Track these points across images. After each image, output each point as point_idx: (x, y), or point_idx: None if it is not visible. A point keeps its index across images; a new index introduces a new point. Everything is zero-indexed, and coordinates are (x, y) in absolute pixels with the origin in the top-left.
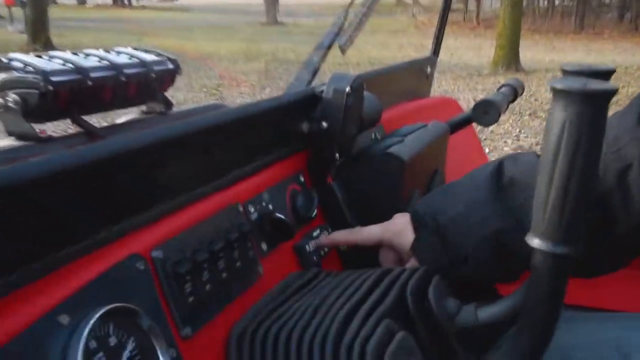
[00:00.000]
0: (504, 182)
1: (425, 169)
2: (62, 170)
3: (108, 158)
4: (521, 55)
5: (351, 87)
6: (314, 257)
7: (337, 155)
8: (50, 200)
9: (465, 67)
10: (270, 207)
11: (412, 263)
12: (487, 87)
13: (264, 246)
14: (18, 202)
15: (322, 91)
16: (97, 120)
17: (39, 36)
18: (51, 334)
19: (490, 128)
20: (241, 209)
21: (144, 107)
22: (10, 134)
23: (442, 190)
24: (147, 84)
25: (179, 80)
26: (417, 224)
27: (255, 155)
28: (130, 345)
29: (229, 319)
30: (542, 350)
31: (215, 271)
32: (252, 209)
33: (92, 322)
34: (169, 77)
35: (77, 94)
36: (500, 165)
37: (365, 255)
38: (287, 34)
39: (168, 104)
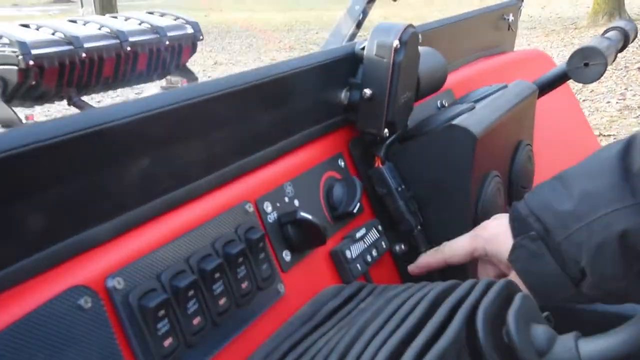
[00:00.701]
0: (635, 166)
1: (504, 142)
2: None
3: (36, 146)
4: (627, 0)
5: (400, 41)
6: (358, 266)
7: (385, 131)
8: None
9: (559, 20)
10: (297, 203)
11: (512, 278)
12: (586, 41)
13: (286, 256)
14: None
15: (363, 48)
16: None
17: None
18: None
19: (590, 86)
20: (251, 208)
21: (163, 83)
22: None
23: (552, 182)
24: (160, 54)
25: (247, 55)
26: (517, 226)
27: (275, 135)
28: None
29: None
30: None
31: (209, 298)
32: (268, 208)
33: None
34: (188, 44)
35: (69, 70)
36: (629, 143)
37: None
38: None
39: (191, 77)
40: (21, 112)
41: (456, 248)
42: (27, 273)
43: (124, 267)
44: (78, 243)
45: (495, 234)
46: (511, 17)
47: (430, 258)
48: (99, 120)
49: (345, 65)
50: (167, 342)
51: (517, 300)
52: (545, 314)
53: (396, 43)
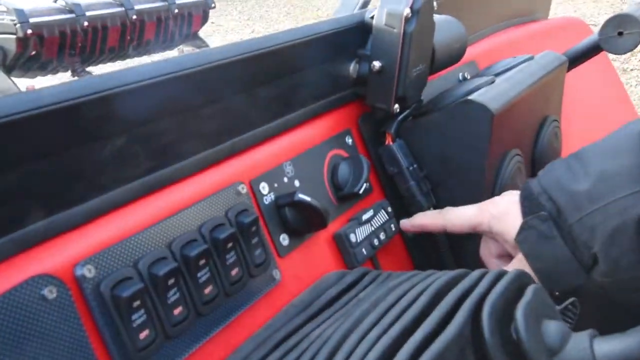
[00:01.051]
0: None
1: (527, 119)
2: None
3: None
4: None
5: (412, 9)
6: (363, 250)
7: (396, 106)
8: None
9: None
10: (297, 183)
11: (518, 261)
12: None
13: (283, 241)
14: None
15: (373, 16)
16: None
17: None
18: None
19: (639, 55)
20: (244, 190)
21: (175, 53)
22: None
23: (568, 160)
24: (169, 23)
25: (284, 23)
26: (527, 204)
27: (275, 110)
28: None
29: (214, 355)
30: None
31: (193, 287)
32: (264, 189)
33: None
34: (199, 12)
35: (70, 39)
36: None
37: (438, 245)
38: None
39: (204, 47)
40: (25, 83)
41: (459, 216)
42: None
43: (97, 253)
44: (44, 228)
45: (503, 211)
46: None
47: (427, 219)
48: (71, 94)
49: (354, 36)
50: (144, 335)
51: (528, 293)
52: (571, 299)
53: (407, 12)
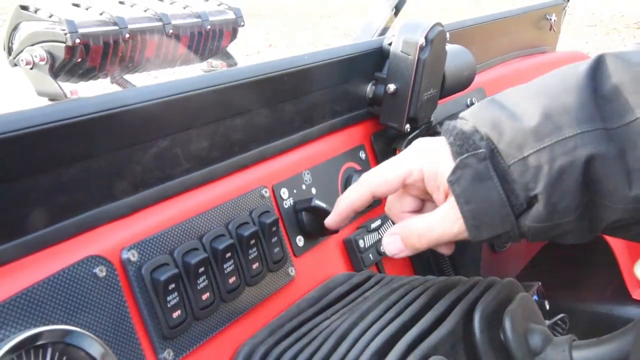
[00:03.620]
0: (604, 87)
1: None
2: None
3: (64, 122)
4: None
5: (426, 39)
6: (370, 255)
7: (407, 126)
8: None
9: (623, 17)
10: (314, 191)
11: (447, 206)
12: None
13: (299, 242)
14: None
15: (390, 43)
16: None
17: None
18: None
19: None
20: (267, 193)
21: (204, 66)
22: (39, 94)
23: (494, 100)
24: (201, 38)
25: (303, 39)
26: (459, 143)
27: (297, 124)
28: None
29: (234, 338)
30: None
31: (219, 276)
32: (285, 194)
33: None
34: (229, 29)
35: (112, 49)
36: (598, 62)
37: (438, 254)
38: None
39: (231, 61)
40: (69, 87)
41: (382, 174)
42: (50, 240)
43: (140, 241)
44: (98, 215)
45: (435, 149)
46: (554, 17)
47: (351, 196)
48: (126, 101)
49: (372, 60)
50: (176, 314)
51: (517, 300)
52: (561, 316)
53: (422, 41)
